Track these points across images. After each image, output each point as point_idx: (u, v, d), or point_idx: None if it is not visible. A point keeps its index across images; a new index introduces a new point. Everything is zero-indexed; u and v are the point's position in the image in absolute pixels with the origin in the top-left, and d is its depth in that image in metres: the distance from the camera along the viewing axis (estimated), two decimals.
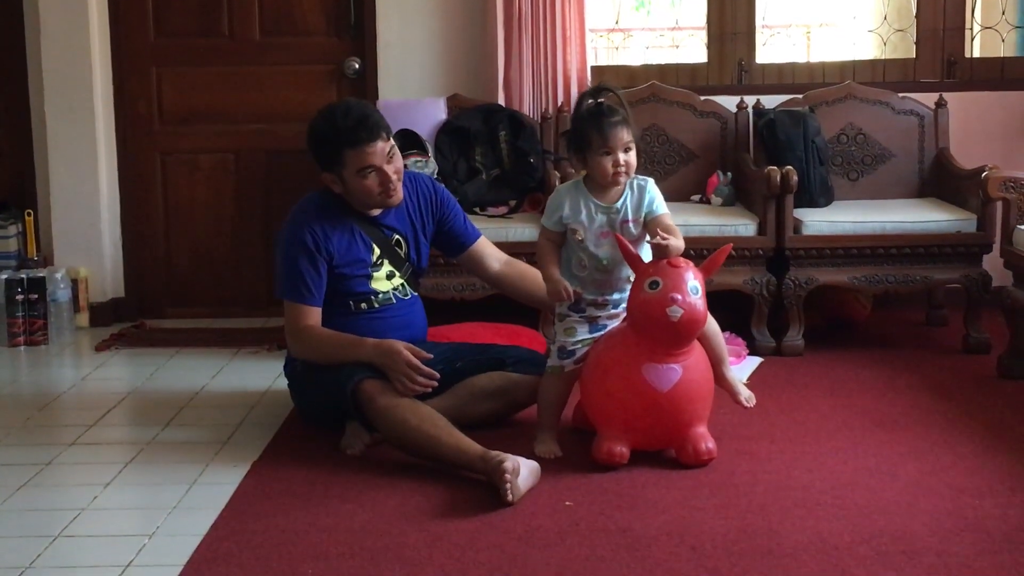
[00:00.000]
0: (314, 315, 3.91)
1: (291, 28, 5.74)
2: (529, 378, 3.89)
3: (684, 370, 3.51)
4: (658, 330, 3.46)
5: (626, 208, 3.65)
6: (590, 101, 3.69)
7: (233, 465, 3.69)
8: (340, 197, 3.96)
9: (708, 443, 3.58)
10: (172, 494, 3.46)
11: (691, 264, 3.53)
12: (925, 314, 5.43)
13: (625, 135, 3.61)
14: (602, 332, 3.69)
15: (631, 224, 3.65)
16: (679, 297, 3.41)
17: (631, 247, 3.55)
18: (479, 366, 3.97)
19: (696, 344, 3.57)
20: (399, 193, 3.93)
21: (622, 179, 3.64)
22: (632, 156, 3.64)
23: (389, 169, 3.87)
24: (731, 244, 3.73)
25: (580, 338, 3.69)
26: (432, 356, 3.76)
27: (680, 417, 3.54)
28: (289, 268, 3.91)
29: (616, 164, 3.61)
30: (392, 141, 3.92)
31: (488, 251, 4.24)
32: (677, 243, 3.53)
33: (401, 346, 3.74)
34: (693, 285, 3.45)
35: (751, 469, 3.56)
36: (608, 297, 3.69)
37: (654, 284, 3.45)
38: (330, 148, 3.86)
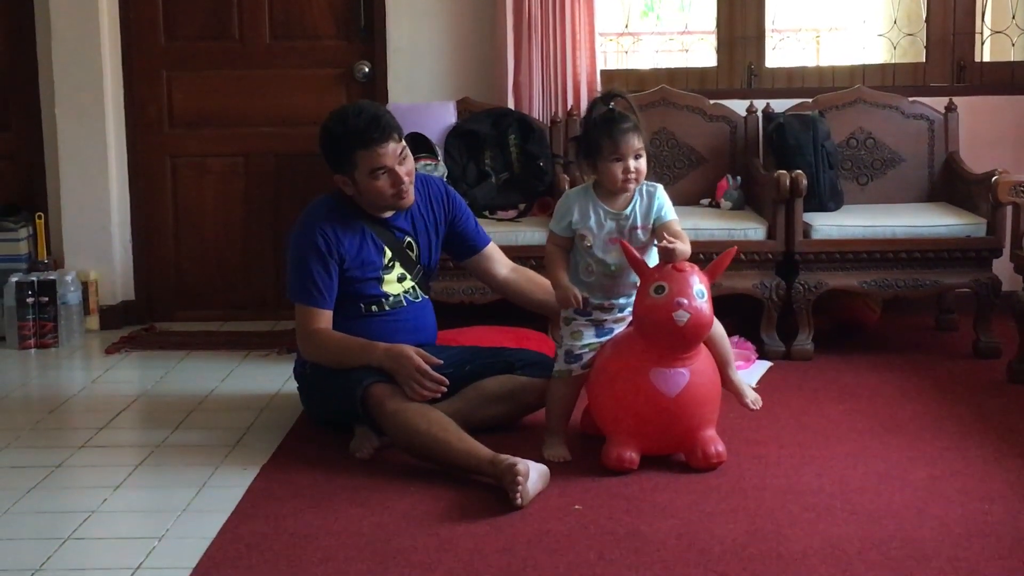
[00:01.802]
0: (325, 317, 3.92)
1: (301, 32, 5.75)
2: (538, 381, 3.89)
3: (691, 374, 3.51)
4: (664, 335, 3.46)
5: (635, 215, 3.65)
6: (601, 107, 3.68)
7: (243, 468, 3.70)
8: (351, 199, 3.97)
9: (717, 446, 3.58)
10: (182, 497, 3.47)
11: (696, 268, 3.53)
12: (935, 319, 5.42)
13: (636, 142, 3.61)
14: (609, 336, 3.70)
15: (640, 231, 3.65)
16: (685, 301, 3.41)
17: (636, 252, 3.55)
18: (488, 369, 3.97)
19: (703, 348, 3.57)
20: (411, 195, 3.94)
21: (631, 186, 3.64)
22: (642, 163, 3.63)
23: (401, 170, 3.87)
24: (736, 247, 3.72)
25: (587, 342, 3.69)
26: (442, 362, 3.77)
27: (689, 421, 3.54)
28: (300, 270, 3.92)
29: (626, 171, 3.60)
30: (404, 143, 3.93)
31: (496, 257, 4.25)
32: (683, 247, 3.52)
33: (411, 351, 3.75)
34: (699, 289, 3.45)
35: (760, 473, 3.56)
36: (615, 301, 3.70)
37: (660, 289, 3.45)
38: (342, 149, 3.87)
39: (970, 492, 3.38)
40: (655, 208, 3.66)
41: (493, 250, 4.24)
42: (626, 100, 3.72)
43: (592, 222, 3.66)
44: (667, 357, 3.50)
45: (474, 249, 4.21)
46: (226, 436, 4.04)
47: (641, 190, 3.67)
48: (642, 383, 3.50)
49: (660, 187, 3.71)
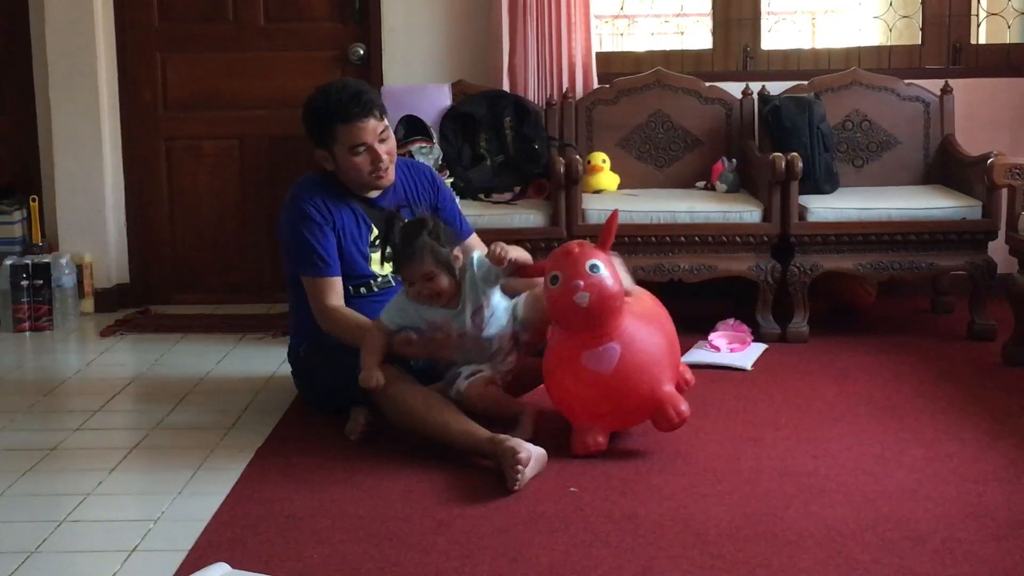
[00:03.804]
0: (335, 286, 3.91)
1: (296, 14, 5.73)
2: (530, 361, 3.88)
3: (623, 345, 3.47)
4: (576, 319, 3.45)
5: (465, 307, 3.68)
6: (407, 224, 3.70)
7: (238, 451, 3.70)
8: (336, 178, 3.96)
9: (679, 405, 3.50)
10: (177, 479, 3.47)
11: (585, 244, 3.54)
12: (930, 301, 5.43)
13: (425, 266, 3.61)
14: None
15: (483, 312, 3.68)
16: (580, 283, 3.40)
17: (526, 269, 3.65)
18: None
19: (627, 314, 3.51)
20: (390, 175, 3.94)
21: (432, 302, 3.66)
22: (439, 282, 3.63)
23: (380, 148, 3.88)
24: (617, 210, 3.65)
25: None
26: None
27: (638, 389, 3.49)
28: (299, 244, 3.92)
29: (419, 293, 3.64)
30: (386, 121, 3.93)
31: (476, 247, 4.21)
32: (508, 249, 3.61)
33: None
34: (592, 264, 3.43)
35: (756, 455, 3.57)
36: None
37: (554, 279, 3.46)
38: (323, 123, 3.87)
39: (965, 473, 3.38)
40: (481, 275, 3.67)
41: (475, 241, 4.22)
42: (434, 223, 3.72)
43: (418, 324, 3.70)
44: (591, 337, 3.48)
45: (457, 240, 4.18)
46: (221, 418, 4.04)
47: (464, 281, 3.69)
48: (578, 370, 3.49)
49: (476, 256, 3.71)
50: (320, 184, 3.99)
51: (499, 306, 3.72)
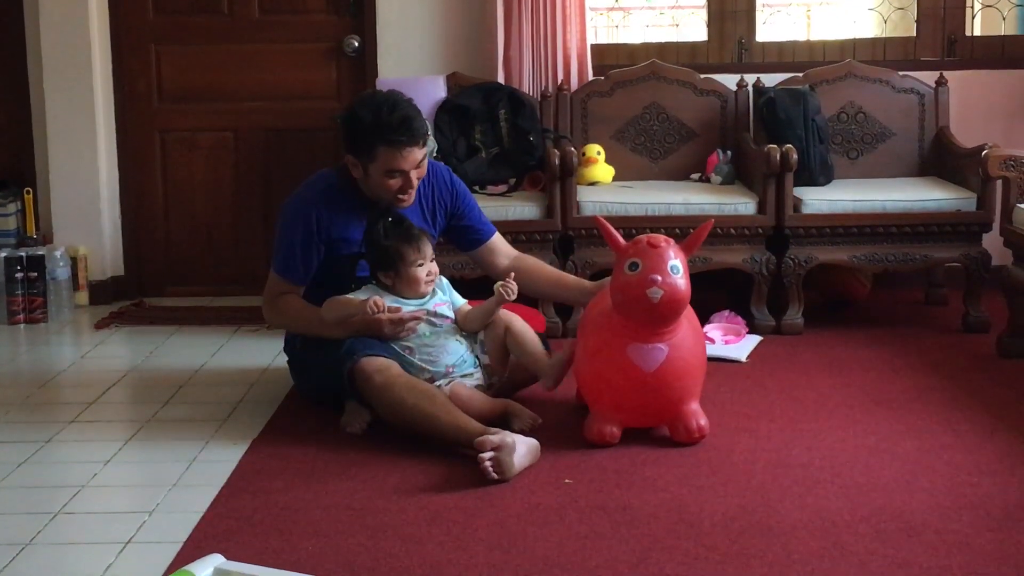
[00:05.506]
0: (294, 291, 3.95)
1: (290, 6, 5.72)
2: (528, 358, 3.89)
3: (670, 348, 3.48)
4: (639, 311, 3.44)
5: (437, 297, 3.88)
6: (385, 221, 3.84)
7: (233, 443, 3.70)
8: (354, 181, 3.94)
9: (700, 420, 3.57)
10: (172, 471, 3.47)
11: (672, 242, 3.51)
12: (924, 293, 5.43)
13: (431, 248, 3.85)
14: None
15: (441, 306, 3.86)
16: (659, 278, 3.39)
17: (610, 227, 3.57)
18: None
19: (682, 322, 3.54)
20: (411, 199, 3.92)
21: (430, 288, 3.86)
22: (436, 266, 3.87)
23: (413, 175, 3.86)
24: (713, 220, 3.71)
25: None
26: (400, 308, 3.78)
27: (669, 395, 3.53)
28: (285, 242, 3.93)
29: (429, 273, 3.82)
30: (426, 148, 3.90)
31: (500, 247, 4.23)
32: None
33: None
34: (673, 264, 3.43)
35: (750, 447, 3.57)
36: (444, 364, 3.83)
37: (634, 266, 3.44)
38: (366, 138, 3.81)
39: (959, 465, 3.39)
40: (448, 294, 3.92)
41: (498, 241, 4.23)
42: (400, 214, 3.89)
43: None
44: (644, 333, 3.48)
45: (479, 240, 4.20)
46: (216, 411, 4.04)
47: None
48: (620, 359, 3.49)
49: (441, 278, 3.94)
50: (333, 188, 3.96)
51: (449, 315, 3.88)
